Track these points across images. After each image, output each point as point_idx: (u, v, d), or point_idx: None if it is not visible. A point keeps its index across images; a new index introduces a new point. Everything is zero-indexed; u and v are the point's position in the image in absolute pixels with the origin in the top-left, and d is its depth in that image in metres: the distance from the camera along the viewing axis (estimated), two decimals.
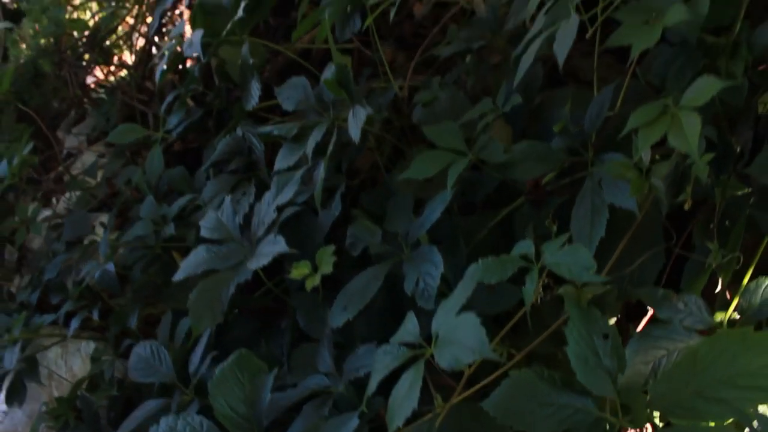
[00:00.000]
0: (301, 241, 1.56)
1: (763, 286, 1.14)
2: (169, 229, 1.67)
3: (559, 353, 1.32)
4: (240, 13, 1.71)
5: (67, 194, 2.41)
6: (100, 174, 2.32)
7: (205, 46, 1.80)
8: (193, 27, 1.90)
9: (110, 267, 1.67)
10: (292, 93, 1.58)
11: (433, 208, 1.31)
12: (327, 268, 1.39)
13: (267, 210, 1.38)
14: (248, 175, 1.74)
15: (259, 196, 1.65)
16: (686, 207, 1.16)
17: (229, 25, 1.73)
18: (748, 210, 1.18)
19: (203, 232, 1.46)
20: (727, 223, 1.22)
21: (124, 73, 2.74)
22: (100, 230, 2.15)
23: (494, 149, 1.30)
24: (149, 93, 2.58)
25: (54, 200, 2.33)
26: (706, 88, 1.01)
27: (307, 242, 1.56)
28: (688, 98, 1.04)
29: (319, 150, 1.46)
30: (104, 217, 2.17)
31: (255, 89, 1.67)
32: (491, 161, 1.30)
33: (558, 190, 1.35)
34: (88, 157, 2.52)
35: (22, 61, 2.00)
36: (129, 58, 2.75)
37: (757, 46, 1.05)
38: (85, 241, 2.03)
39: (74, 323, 1.69)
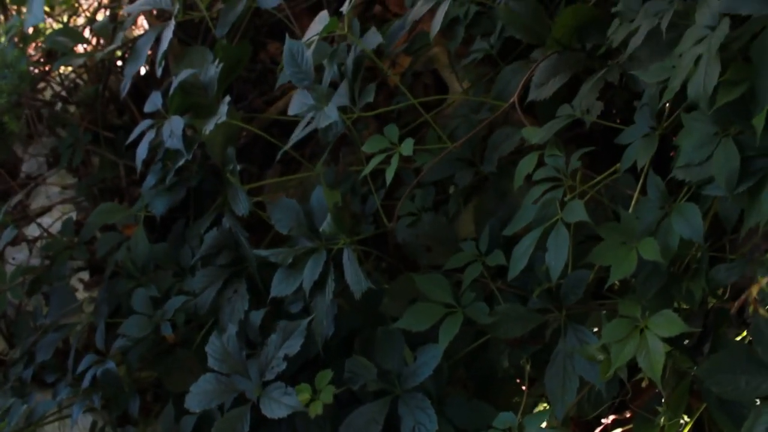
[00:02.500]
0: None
1: None
2: (166, 329, 1.78)
3: None
4: (223, 117, 1.74)
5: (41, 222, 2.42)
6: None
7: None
8: (171, 107, 1.90)
9: (112, 366, 1.77)
10: (283, 216, 1.67)
11: (426, 361, 1.48)
12: (328, 397, 1.55)
13: (275, 354, 1.51)
14: (238, 269, 1.83)
15: (252, 299, 1.76)
16: (643, 385, 1.38)
17: (212, 126, 1.75)
18: (691, 379, 1.41)
19: (210, 362, 1.58)
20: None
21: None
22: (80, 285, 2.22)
23: (479, 309, 1.47)
24: (110, 112, 2.55)
25: (25, 244, 2.34)
26: (671, 325, 1.20)
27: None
28: (655, 324, 1.23)
29: (316, 285, 1.58)
30: (84, 273, 2.23)
31: (243, 199, 1.73)
32: (476, 321, 1.46)
33: (532, 339, 1.54)
34: (51, 189, 2.52)
35: None
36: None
37: (713, 281, 1.24)
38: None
39: (77, 411, 1.80)
